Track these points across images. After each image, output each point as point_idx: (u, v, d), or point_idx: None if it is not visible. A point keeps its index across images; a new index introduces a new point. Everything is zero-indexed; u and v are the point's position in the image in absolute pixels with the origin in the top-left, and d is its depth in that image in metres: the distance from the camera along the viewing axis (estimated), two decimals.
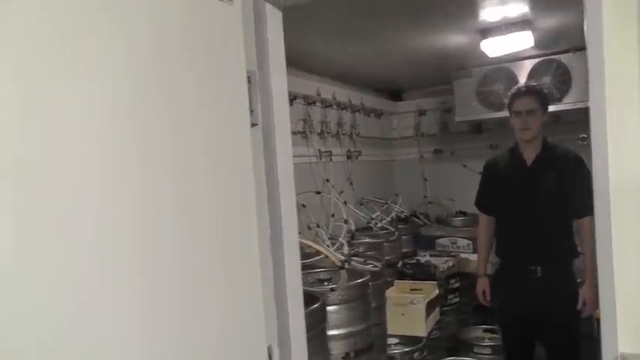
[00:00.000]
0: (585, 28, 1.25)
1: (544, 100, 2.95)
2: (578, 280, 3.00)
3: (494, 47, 3.27)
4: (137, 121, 1.04)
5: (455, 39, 3.35)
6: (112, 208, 0.97)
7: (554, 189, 2.84)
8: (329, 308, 2.25)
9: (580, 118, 4.00)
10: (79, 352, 0.91)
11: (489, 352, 3.62)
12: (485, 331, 3.87)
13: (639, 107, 1.16)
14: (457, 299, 3.96)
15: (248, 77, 1.42)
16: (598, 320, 3.09)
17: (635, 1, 1.14)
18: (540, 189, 2.85)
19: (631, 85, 1.16)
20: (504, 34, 3.08)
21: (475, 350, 3.67)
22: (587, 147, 3.50)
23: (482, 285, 3.11)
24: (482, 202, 3.20)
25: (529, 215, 2.86)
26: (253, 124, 1.43)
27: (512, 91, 3.00)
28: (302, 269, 1.67)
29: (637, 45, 1.15)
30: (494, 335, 3.71)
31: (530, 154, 2.91)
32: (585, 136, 4.00)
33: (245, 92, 1.40)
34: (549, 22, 3.13)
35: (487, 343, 3.71)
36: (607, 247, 1.17)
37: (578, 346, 2.89)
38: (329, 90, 3.92)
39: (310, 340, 1.68)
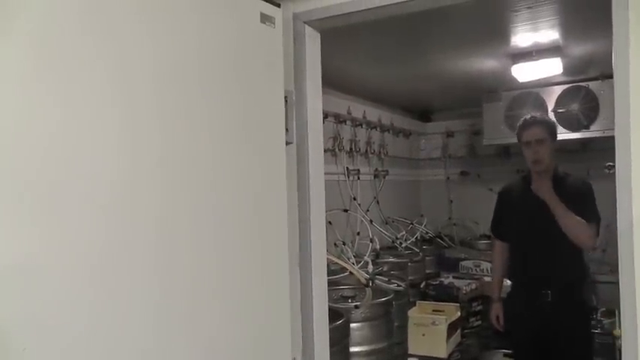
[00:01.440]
0: (613, 58, 1.28)
1: (552, 129, 2.98)
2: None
3: (524, 72, 3.29)
4: (182, 132, 1.10)
5: (486, 63, 3.38)
6: (166, 221, 1.04)
7: None
8: (352, 325, 2.27)
9: (607, 146, 3.99)
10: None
11: None
12: (506, 355, 3.83)
13: None
14: (479, 322, 3.93)
15: (285, 97, 1.48)
16: (621, 351, 3.09)
17: None
18: (551, 219, 2.86)
19: None
20: (534, 60, 3.10)
21: None
22: (614, 175, 3.50)
23: (497, 310, 3.12)
24: (496, 229, 3.23)
25: (540, 243, 2.88)
26: (288, 143, 1.48)
27: (520, 122, 3.03)
28: (327, 285, 1.70)
29: None
30: None
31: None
32: (612, 164, 3.99)
33: (282, 111, 1.45)
34: (579, 49, 3.14)
35: None
36: (630, 278, 1.19)
37: None
38: (360, 109, 3.96)
39: (333, 355, 1.71)
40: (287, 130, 1.48)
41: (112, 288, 0.96)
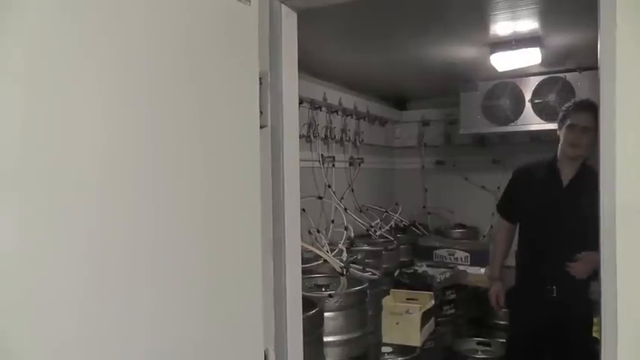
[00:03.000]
0: (599, 49, 1.25)
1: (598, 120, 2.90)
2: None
3: (502, 62, 3.27)
4: (149, 111, 1.04)
5: (464, 51, 3.36)
6: (117, 206, 0.97)
7: (584, 212, 2.80)
8: (326, 314, 2.24)
9: None
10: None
11: None
12: (479, 343, 3.87)
13: None
14: (452, 311, 3.94)
15: (260, 78, 1.42)
16: (595, 339, 3.07)
17: None
18: (572, 211, 2.76)
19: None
20: (513, 50, 3.08)
21: None
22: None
23: (497, 289, 3.09)
24: (503, 208, 3.16)
25: (556, 234, 2.80)
26: (262, 126, 1.43)
27: (573, 102, 2.89)
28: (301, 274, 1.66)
29: None
30: (488, 348, 3.71)
31: (568, 173, 2.84)
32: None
33: (256, 93, 1.40)
34: (558, 40, 3.13)
35: (480, 355, 3.70)
36: (611, 270, 1.16)
37: None
38: (335, 95, 3.91)
39: (306, 345, 1.67)
40: (261, 112, 1.42)
41: (57, 275, 0.90)
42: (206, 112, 1.19)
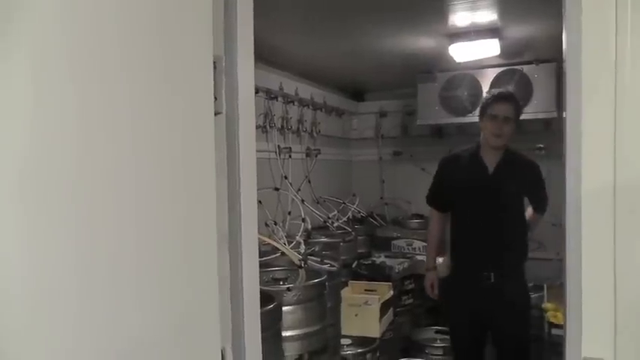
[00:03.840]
0: (564, 38, 1.23)
1: (519, 110, 2.97)
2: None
3: (461, 52, 3.28)
4: (96, 96, 0.95)
5: (422, 42, 3.34)
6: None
7: (513, 196, 2.87)
8: (285, 308, 2.18)
9: (537, 129, 4.08)
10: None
11: (441, 354, 3.66)
12: (437, 332, 3.91)
13: (613, 117, 1.14)
14: (411, 300, 3.97)
15: (214, 63, 1.34)
16: (550, 323, 3.18)
17: (613, 14, 1.13)
18: (500, 196, 2.87)
19: (606, 97, 1.14)
20: (472, 40, 3.09)
21: (427, 351, 3.71)
22: (544, 157, 3.62)
23: (431, 278, 3.14)
24: (434, 199, 3.19)
25: (487, 221, 2.87)
26: (217, 113, 1.35)
27: (491, 94, 2.99)
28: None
29: (614, 58, 1.13)
30: (446, 337, 3.73)
31: (492, 161, 2.91)
32: (542, 146, 4.11)
33: (210, 78, 1.32)
34: (516, 32, 3.15)
35: (439, 344, 3.75)
36: (577, 252, 1.15)
37: (528, 348, 2.94)
38: (292, 85, 3.85)
39: (264, 341, 1.61)
40: (216, 98, 1.34)
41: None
42: (156, 96, 1.11)
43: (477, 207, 2.92)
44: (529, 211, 3.02)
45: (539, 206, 2.98)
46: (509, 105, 2.85)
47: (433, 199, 3.18)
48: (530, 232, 3.05)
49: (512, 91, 3.27)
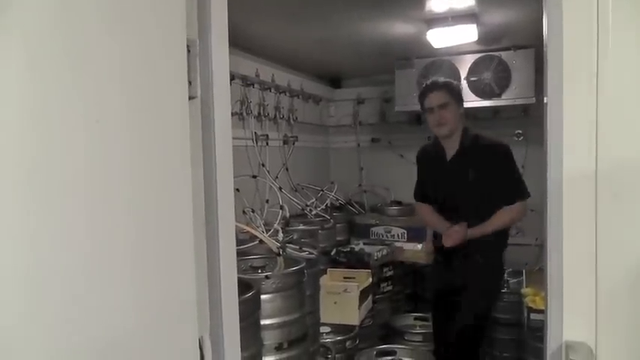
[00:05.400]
0: (545, 23, 1.22)
1: (457, 93, 2.99)
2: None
3: (439, 38, 3.26)
4: (63, 79, 0.91)
5: (400, 28, 3.32)
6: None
7: (474, 184, 2.87)
8: (263, 297, 2.16)
9: (515, 115, 4.10)
10: None
11: (420, 340, 3.68)
12: (417, 318, 3.94)
13: (595, 102, 1.13)
14: (390, 287, 3.98)
15: (187, 46, 1.30)
16: (529, 308, 3.24)
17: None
18: (459, 185, 2.90)
19: (587, 81, 1.13)
20: (450, 26, 3.07)
21: (406, 338, 3.73)
22: (522, 142, 3.64)
23: (452, 231, 2.98)
24: (418, 193, 3.24)
25: (451, 208, 2.94)
26: (191, 97, 1.31)
27: (422, 88, 3.03)
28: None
29: (595, 42, 1.12)
30: (426, 323, 3.77)
31: (450, 149, 2.95)
32: (521, 132, 4.13)
33: (184, 62, 1.28)
34: (494, 17, 3.14)
35: (418, 330, 3.77)
36: (558, 237, 1.15)
37: (482, 328, 2.98)
38: (268, 72, 3.80)
39: (243, 330, 1.58)
40: (190, 82, 1.31)
41: None
42: (128, 78, 1.07)
43: (442, 195, 3.00)
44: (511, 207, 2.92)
45: (516, 190, 2.87)
46: (441, 92, 2.89)
47: (418, 193, 3.24)
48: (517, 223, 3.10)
49: (445, 78, 3.25)
